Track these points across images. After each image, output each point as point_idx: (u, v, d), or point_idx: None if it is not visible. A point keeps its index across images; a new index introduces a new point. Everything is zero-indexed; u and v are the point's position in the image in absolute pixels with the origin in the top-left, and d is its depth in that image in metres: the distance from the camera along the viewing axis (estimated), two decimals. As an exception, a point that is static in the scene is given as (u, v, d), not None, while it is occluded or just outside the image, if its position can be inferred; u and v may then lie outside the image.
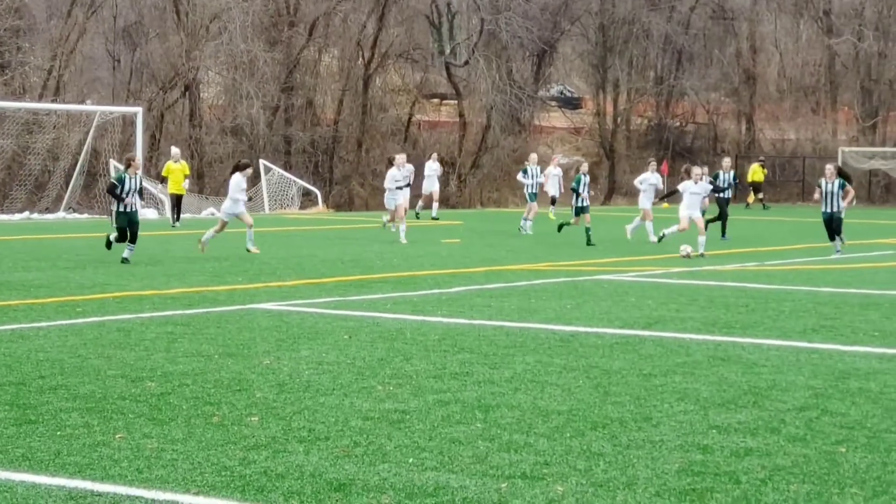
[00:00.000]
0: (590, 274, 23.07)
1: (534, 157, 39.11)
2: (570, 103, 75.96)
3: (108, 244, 24.68)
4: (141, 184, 24.33)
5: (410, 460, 8.74)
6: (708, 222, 30.29)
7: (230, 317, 16.25)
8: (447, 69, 67.12)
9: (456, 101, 67.92)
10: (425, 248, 29.26)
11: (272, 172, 50.55)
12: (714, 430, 9.78)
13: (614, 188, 68.21)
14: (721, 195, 33.51)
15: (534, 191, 36.94)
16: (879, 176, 64.36)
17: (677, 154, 69.01)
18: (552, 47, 69.33)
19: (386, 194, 32.30)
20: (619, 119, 70.47)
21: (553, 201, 44.25)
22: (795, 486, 8.17)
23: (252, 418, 10.02)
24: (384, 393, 11.14)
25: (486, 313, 16.97)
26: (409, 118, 66.53)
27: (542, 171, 39.19)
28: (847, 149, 63.75)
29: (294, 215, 47.60)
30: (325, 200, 53.01)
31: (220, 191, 55.22)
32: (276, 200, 49.88)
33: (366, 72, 63.27)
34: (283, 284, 20.43)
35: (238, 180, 26.21)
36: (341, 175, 61.90)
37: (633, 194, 67.65)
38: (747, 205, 56.84)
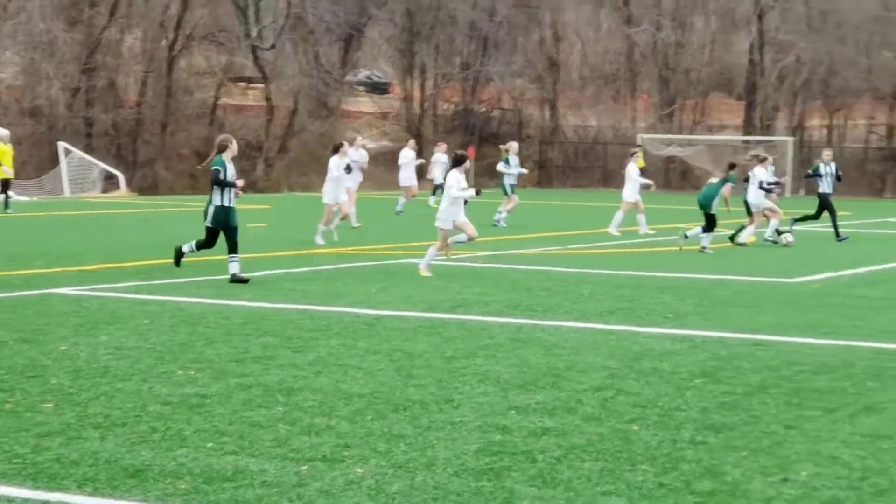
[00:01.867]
0: (398, 258, 23.18)
1: (514, 145, 36.36)
2: (378, 88, 76.05)
3: None
4: None
5: (209, 445, 8.71)
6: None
7: (27, 302, 15.91)
8: (254, 52, 66.56)
9: (263, 85, 67.43)
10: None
11: (72, 155, 49.51)
12: (513, 411, 9.94)
13: (421, 173, 68.42)
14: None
15: (514, 182, 34.66)
16: (676, 162, 65.87)
17: (483, 139, 69.64)
18: (359, 32, 69.33)
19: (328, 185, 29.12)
20: (426, 104, 70.83)
21: (436, 189, 42.64)
22: (589, 464, 8.36)
23: (46, 404, 9.85)
24: (184, 377, 11.07)
25: (291, 297, 16.95)
26: (215, 101, 65.81)
27: (416, 157, 37.88)
28: (646, 136, 65.11)
29: (96, 199, 46.73)
30: (129, 184, 52.14)
31: (19, 173, 53.92)
32: (77, 184, 48.89)
33: (170, 53, 62.37)
34: (83, 269, 20.07)
35: (337, 162, 26.34)
36: (145, 158, 60.96)
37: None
38: None
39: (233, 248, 18.88)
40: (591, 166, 69.01)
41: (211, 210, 19.22)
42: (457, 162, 20.67)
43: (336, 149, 28.18)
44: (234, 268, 18.70)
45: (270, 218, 35.06)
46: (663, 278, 20.32)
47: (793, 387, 11.00)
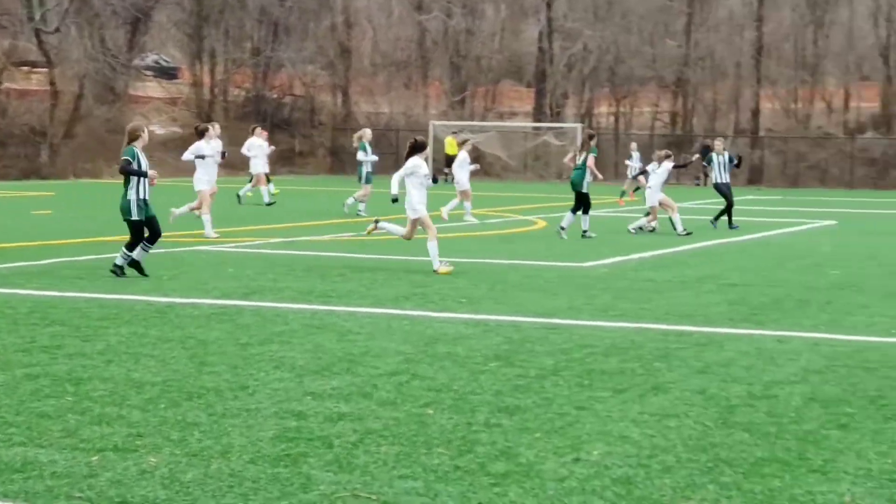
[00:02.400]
0: (188, 245, 22.92)
1: (368, 132, 35.63)
2: (167, 73, 74.96)
3: None
4: None
5: (-3, 436, 8.50)
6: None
7: None
8: (37, 36, 64.94)
9: (47, 70, 65.85)
10: (13, 220, 28.34)
11: None
12: (309, 397, 9.92)
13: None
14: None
15: (371, 170, 33.86)
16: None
17: (275, 126, 69.27)
18: (147, 15, 68.20)
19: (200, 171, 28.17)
20: (216, 90, 70.09)
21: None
22: (385, 448, 8.39)
23: None
24: (-30, 368, 10.77)
25: (79, 285, 16.63)
26: (-2, 86, 64.05)
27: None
28: (437, 122, 65.61)
29: None
30: None
31: None
32: None
33: (-50, 37, 60.46)
34: None
35: (203, 146, 25.67)
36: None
37: (231, 165, 67.58)
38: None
39: (154, 239, 18.10)
40: (384, 153, 69.10)
41: (131, 204, 17.90)
42: (417, 148, 19.96)
43: (201, 133, 27.20)
44: (141, 255, 18.00)
45: (55, 205, 34.30)
46: (457, 263, 20.48)
47: (584, 369, 11.22)
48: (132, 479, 7.61)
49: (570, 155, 28.32)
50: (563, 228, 26.41)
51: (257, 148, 36.94)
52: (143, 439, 8.53)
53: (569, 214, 26.76)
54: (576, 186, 26.68)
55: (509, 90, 74.10)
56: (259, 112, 69.86)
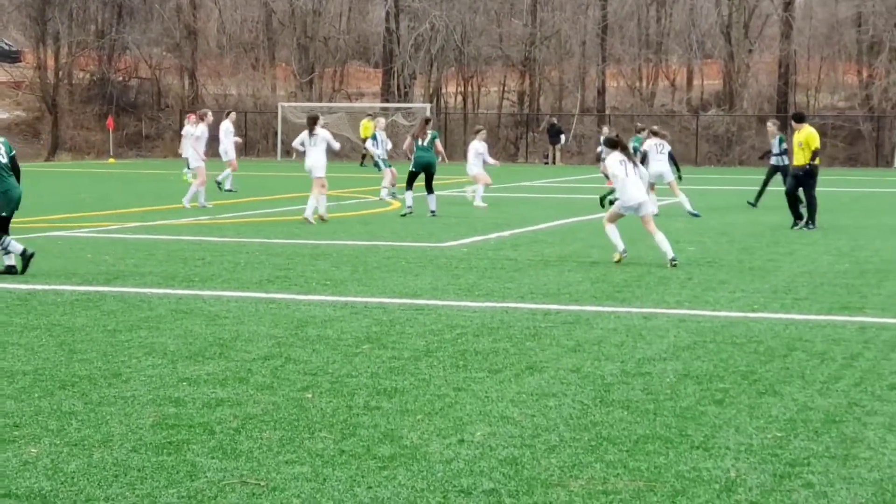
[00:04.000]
0: (41, 231, 22.55)
1: (382, 121, 34.33)
2: (10, 57, 73.40)
3: None
4: None
5: None
6: None
7: None
8: None
9: None
10: None
11: None
12: (184, 383, 9.88)
13: (58, 144, 66.63)
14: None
15: (385, 156, 32.53)
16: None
17: (122, 109, 68.32)
18: (-13, -3, 66.74)
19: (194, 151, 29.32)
20: (60, 73, 68.81)
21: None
22: (268, 433, 8.41)
23: None
24: None
25: (-66, 275, 16.29)
26: None
27: None
28: (286, 104, 65.31)
29: None
30: None
31: None
32: None
33: None
34: None
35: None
36: None
37: (77, 149, 66.54)
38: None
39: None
40: (214, 136, 68.62)
41: None
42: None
43: (202, 117, 30.38)
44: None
45: None
46: (315, 245, 20.50)
47: (457, 349, 11.34)
48: (14, 470, 7.53)
49: (407, 142, 28.53)
50: (433, 210, 27.01)
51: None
52: (21, 429, 8.43)
53: (431, 197, 27.13)
54: (426, 166, 27.07)
55: (357, 71, 74.01)
56: (104, 95, 68.81)
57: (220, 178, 35.11)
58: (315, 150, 25.49)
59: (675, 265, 17.52)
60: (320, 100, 67.55)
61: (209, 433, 8.40)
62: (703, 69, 69.63)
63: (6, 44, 74.24)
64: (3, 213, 16.90)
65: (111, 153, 61.69)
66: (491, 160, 31.62)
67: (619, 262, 18.05)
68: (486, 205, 29.83)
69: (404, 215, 26.48)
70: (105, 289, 15.14)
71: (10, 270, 16.64)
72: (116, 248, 19.94)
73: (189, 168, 35.75)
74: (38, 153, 65.43)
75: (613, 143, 18.60)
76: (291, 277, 16.43)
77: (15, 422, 8.62)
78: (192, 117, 32.76)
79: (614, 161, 18.23)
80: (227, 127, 36.44)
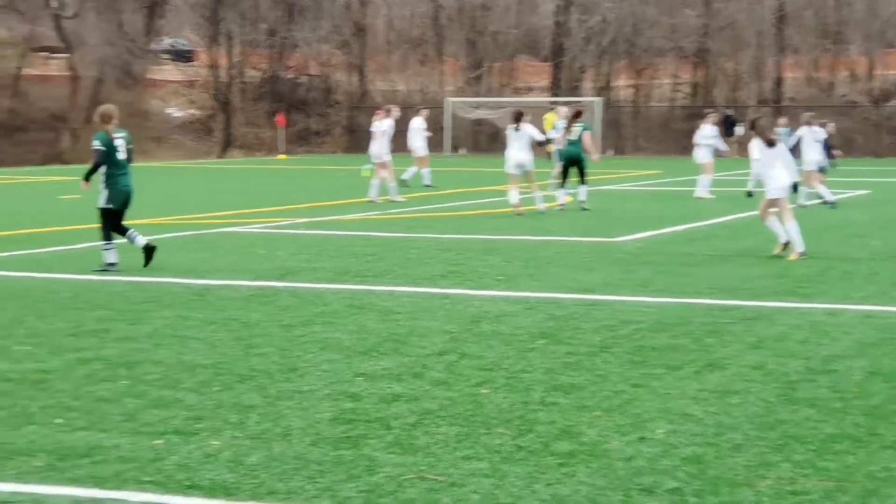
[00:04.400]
0: (215, 227, 22.90)
1: (563, 110, 34.27)
2: (183, 56, 74.94)
3: None
4: None
5: (58, 421, 8.50)
6: None
7: None
8: (56, 21, 64.98)
9: (66, 55, 65.87)
10: (44, 205, 28.37)
11: None
12: (360, 378, 9.89)
13: (230, 141, 67.82)
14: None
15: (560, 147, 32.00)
16: (485, 125, 66.36)
17: (292, 106, 69.21)
18: (163, -1, 68.22)
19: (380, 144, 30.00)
20: (232, 72, 70.02)
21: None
22: (445, 429, 8.36)
23: None
24: (21, 353, 10.78)
25: (117, 269, 16.58)
26: (18, 72, 64.12)
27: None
28: (454, 99, 65.47)
29: None
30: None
31: None
32: None
33: (-32, 23, 60.55)
34: None
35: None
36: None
37: (249, 146, 67.70)
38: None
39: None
40: (401, 130, 69.05)
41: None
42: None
43: (387, 112, 30.88)
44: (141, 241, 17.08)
45: (80, 189, 34.22)
46: (487, 240, 20.45)
47: (633, 345, 11.17)
48: (198, 462, 7.61)
49: (560, 135, 28.52)
50: (582, 202, 26.89)
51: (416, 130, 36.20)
52: (203, 422, 8.52)
53: (582, 188, 26.99)
54: (574, 159, 27.11)
55: (525, 65, 73.82)
56: (275, 92, 69.80)
57: (406, 177, 35.23)
58: (518, 143, 25.69)
59: (801, 258, 17.13)
60: (488, 94, 67.58)
61: (386, 428, 8.39)
62: (885, 59, 67.86)
63: (180, 44, 75.80)
64: (112, 206, 17.05)
65: (282, 149, 62.53)
66: (723, 146, 31.34)
67: (782, 255, 17.62)
68: (711, 196, 29.61)
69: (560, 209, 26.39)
70: (279, 284, 15.28)
71: (109, 267, 16.66)
72: (288, 243, 20.15)
73: (371, 163, 35.91)
74: (210, 150, 66.68)
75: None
76: (464, 272, 16.40)
77: (197, 415, 8.71)
78: (381, 113, 33.01)
79: (756, 146, 18.03)
80: (418, 123, 36.52)
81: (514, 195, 25.72)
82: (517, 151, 25.92)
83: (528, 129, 25.89)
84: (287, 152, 62.76)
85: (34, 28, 65.30)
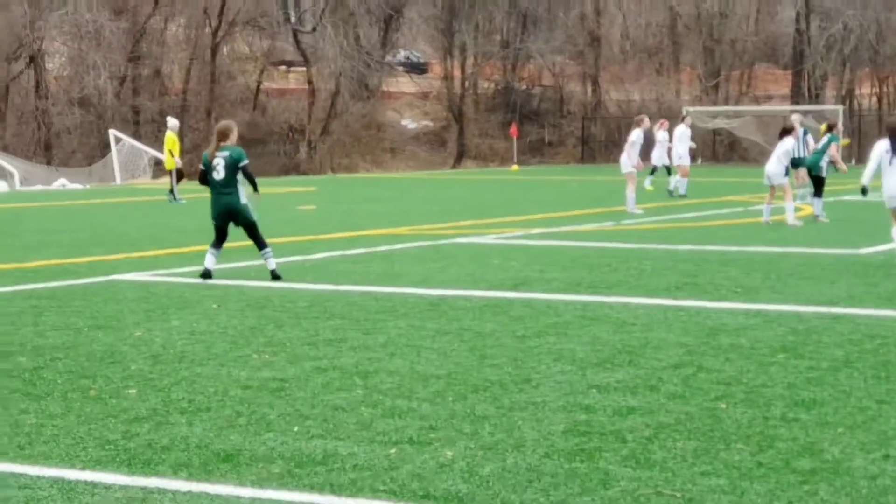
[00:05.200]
0: (449, 237, 23.06)
1: (796, 117, 32.80)
2: (417, 68, 75.94)
3: None
4: None
5: (295, 429, 8.62)
6: None
7: (95, 288, 15.89)
8: (294, 36, 66.60)
9: (304, 68, 67.43)
10: (282, 216, 29.00)
11: (122, 143, 49.64)
12: (594, 390, 9.79)
13: (463, 152, 68.40)
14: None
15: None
16: (723, 135, 65.49)
17: (525, 117, 69.44)
18: (399, 12, 69.20)
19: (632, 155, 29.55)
20: (466, 83, 70.64)
21: (653, 171, 38.25)
22: (682, 443, 8.20)
23: (130, 391, 9.80)
24: (260, 361, 10.99)
25: (352, 278, 16.84)
26: (258, 86, 65.92)
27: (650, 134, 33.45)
28: (691, 108, 64.72)
29: (146, 185, 46.83)
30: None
31: (69, 162, 54.30)
32: (127, 171, 49.03)
33: (213, 40, 62.55)
34: (143, 255, 20.07)
35: (789, 146, 25.76)
36: (191, 144, 61.14)
37: (482, 157, 68.13)
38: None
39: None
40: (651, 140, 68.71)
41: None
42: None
43: (638, 122, 30.53)
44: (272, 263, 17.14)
45: (317, 200, 34.98)
46: (725, 252, 20.11)
47: (878, 360, 10.80)
48: (431, 472, 7.62)
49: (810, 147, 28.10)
50: (817, 216, 26.38)
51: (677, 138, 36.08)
52: (437, 432, 8.53)
53: (816, 200, 26.41)
54: (813, 170, 26.81)
55: (765, 73, 72.56)
56: (508, 104, 70.15)
57: (671, 187, 35.01)
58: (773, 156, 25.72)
59: None
60: (726, 103, 66.69)
61: (621, 441, 8.27)
62: None
63: (414, 56, 76.82)
64: (216, 223, 17.09)
65: (514, 160, 62.80)
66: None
67: None
68: None
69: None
70: (512, 294, 15.27)
71: (274, 276, 16.79)
72: (521, 253, 20.15)
73: (651, 174, 36.20)
74: (444, 161, 67.37)
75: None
76: (700, 284, 16.14)
77: (431, 424, 8.73)
78: (660, 124, 33.50)
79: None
80: (682, 131, 36.16)
81: (765, 208, 25.56)
82: (769, 164, 25.64)
83: (784, 143, 25.45)
84: (520, 163, 62.98)
85: (274, 43, 67.05)
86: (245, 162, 16.99)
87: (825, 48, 66.03)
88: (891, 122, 18.30)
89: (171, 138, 35.78)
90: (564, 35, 71.06)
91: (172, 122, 37.12)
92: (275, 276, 16.80)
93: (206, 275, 16.83)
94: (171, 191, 35.00)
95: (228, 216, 16.99)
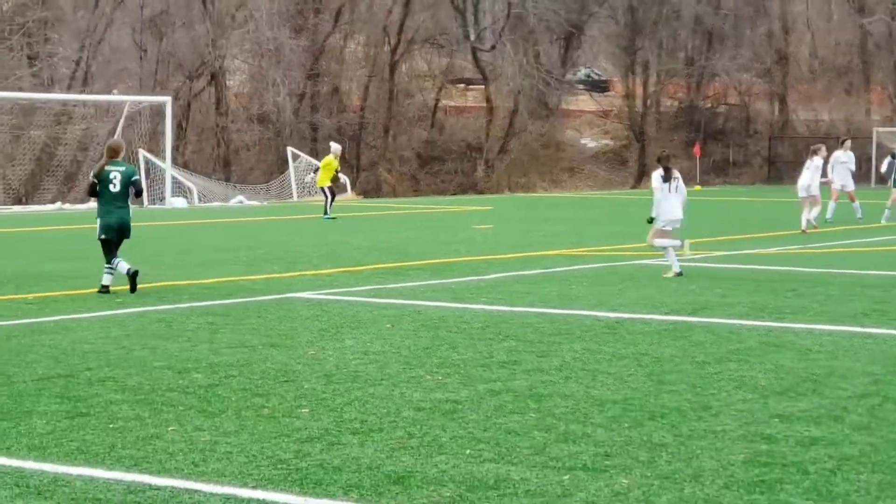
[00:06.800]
0: (627, 259, 22.79)
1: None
2: (598, 86, 75.57)
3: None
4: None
5: (467, 452, 8.52)
6: None
7: (269, 306, 16.04)
8: (473, 54, 66.86)
9: (483, 86, 67.62)
10: (458, 235, 29.03)
11: (300, 160, 50.33)
12: (776, 419, 9.52)
13: (645, 171, 67.80)
14: None
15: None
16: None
17: (708, 136, 68.55)
18: (580, 30, 68.95)
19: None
20: (648, 101, 70.00)
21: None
22: (866, 476, 7.93)
23: (303, 410, 9.82)
24: (433, 383, 10.93)
25: (527, 300, 16.71)
26: (436, 104, 66.29)
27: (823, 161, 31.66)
28: (882, 129, 63.20)
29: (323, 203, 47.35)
30: (353, 187, 52.86)
31: (247, 178, 55.29)
32: (304, 188, 49.69)
33: (392, 58, 63.11)
34: (318, 273, 20.22)
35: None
36: (368, 161, 61.81)
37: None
38: None
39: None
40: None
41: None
42: None
43: (814, 152, 30.17)
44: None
45: (493, 219, 34.93)
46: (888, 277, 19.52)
47: None
48: (606, 499, 7.47)
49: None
50: None
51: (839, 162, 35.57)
52: (612, 459, 8.36)
53: None
54: None
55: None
56: (691, 122, 69.34)
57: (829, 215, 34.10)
58: None
59: None
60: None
61: (803, 473, 8.01)
62: None
63: (595, 74, 76.47)
64: (102, 236, 17.67)
65: (697, 180, 62.03)
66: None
67: None
68: None
69: None
70: (692, 319, 14.99)
71: (104, 290, 17.21)
72: (702, 277, 19.79)
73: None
74: (624, 181, 66.87)
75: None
76: (889, 311, 15.64)
77: (606, 451, 8.56)
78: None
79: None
80: (837, 157, 35.14)
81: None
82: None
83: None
84: (703, 183, 62.17)
85: (452, 61, 67.38)
86: (137, 177, 18.06)
87: None
88: (661, 154, 20.43)
89: (329, 162, 36.40)
90: (751, 53, 69.95)
91: (335, 146, 37.70)
92: (104, 289, 17.21)
93: (105, 290, 17.24)
94: (325, 209, 35.48)
95: (121, 231, 17.78)
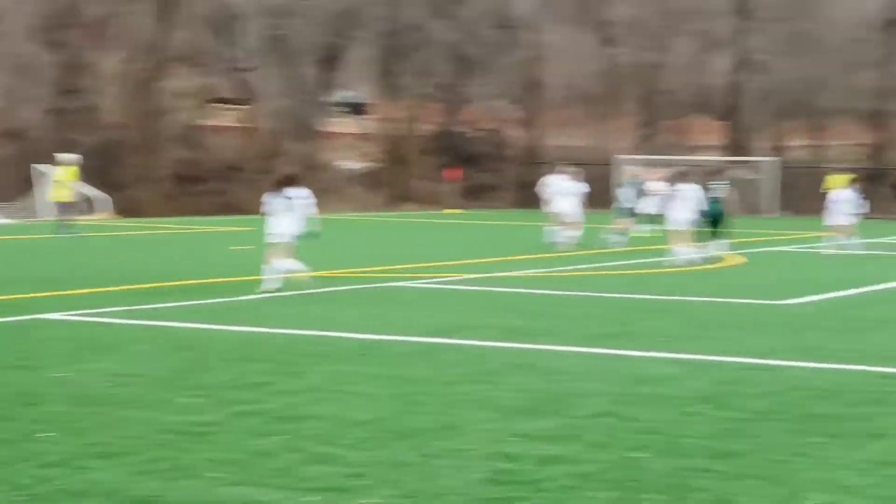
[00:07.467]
0: (385, 281, 23.05)
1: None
2: (358, 109, 75.97)
3: None
4: None
5: (216, 475, 8.58)
6: None
7: (14, 327, 15.74)
8: (234, 73, 66.48)
9: (244, 106, 67.29)
10: (215, 256, 28.90)
11: (46, 176, 49.14)
12: (518, 439, 9.82)
13: (402, 194, 68.40)
14: None
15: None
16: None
17: (465, 160, 69.58)
18: (340, 53, 69.28)
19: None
20: (406, 125, 70.70)
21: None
22: (603, 494, 8.25)
23: (46, 434, 9.69)
24: (184, 405, 10.93)
25: (284, 321, 16.78)
26: (196, 123, 65.64)
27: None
28: (623, 156, 65.10)
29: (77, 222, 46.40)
30: (110, 206, 51.92)
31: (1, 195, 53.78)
32: (53, 206, 48.51)
33: (150, 75, 62.25)
34: (70, 293, 19.90)
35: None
36: (126, 180, 60.72)
37: (419, 200, 68.22)
38: None
39: None
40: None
41: None
42: None
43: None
44: None
45: (253, 241, 34.79)
46: (653, 301, 20.24)
47: (798, 413, 10.91)
48: (350, 521, 7.62)
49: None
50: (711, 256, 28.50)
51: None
52: (361, 479, 8.53)
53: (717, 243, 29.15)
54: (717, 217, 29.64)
55: (699, 124, 73.25)
56: (449, 147, 70.31)
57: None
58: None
59: None
60: (661, 153, 67.12)
61: (541, 491, 8.31)
62: None
63: (355, 97, 76.86)
64: None
65: (449, 204, 62.91)
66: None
67: None
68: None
69: None
70: (445, 340, 15.27)
71: None
72: (455, 300, 20.18)
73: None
74: (382, 203, 67.33)
75: None
76: (630, 332, 16.23)
77: (356, 472, 8.71)
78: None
79: None
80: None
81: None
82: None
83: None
84: (460, 207, 63.04)
85: (212, 80, 66.84)
86: None
87: (758, 100, 66.70)
88: (285, 173, 21.53)
89: (63, 176, 36.61)
90: (504, 80, 71.30)
91: (67, 158, 38.57)
92: None
93: None
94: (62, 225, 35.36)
95: None
